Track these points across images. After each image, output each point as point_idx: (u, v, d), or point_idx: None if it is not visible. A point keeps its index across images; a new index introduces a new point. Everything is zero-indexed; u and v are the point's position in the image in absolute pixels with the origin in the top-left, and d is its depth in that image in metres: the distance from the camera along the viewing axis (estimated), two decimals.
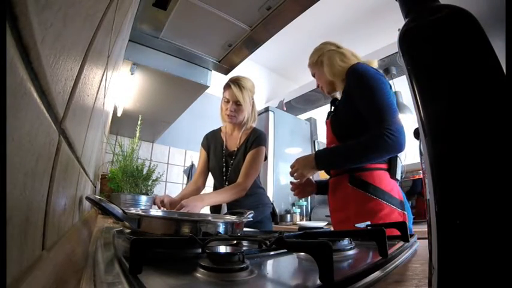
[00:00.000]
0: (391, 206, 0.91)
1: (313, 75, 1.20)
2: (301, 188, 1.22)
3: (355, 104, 0.95)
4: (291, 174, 1.06)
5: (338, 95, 1.15)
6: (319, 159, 0.99)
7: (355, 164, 0.94)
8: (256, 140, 1.38)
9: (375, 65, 1.05)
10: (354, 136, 0.92)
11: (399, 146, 0.86)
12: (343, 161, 0.95)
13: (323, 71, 1.10)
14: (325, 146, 1.16)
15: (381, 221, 0.88)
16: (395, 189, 0.94)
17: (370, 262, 0.37)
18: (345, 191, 0.99)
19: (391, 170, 0.96)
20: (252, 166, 1.34)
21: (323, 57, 1.10)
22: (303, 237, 0.48)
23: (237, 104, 1.36)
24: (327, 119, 1.16)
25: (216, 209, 1.42)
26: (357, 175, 0.97)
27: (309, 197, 2.67)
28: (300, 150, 2.82)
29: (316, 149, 2.83)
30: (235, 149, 1.43)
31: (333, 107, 1.17)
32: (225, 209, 1.35)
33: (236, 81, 1.36)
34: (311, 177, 1.25)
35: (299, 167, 1.03)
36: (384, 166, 0.96)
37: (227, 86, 1.39)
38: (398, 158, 0.97)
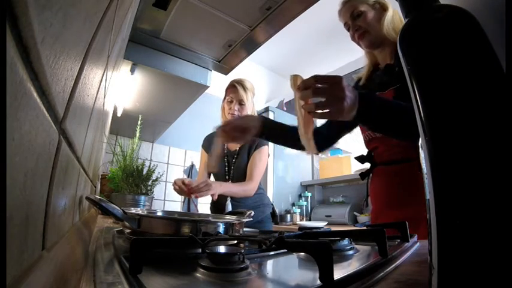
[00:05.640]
0: None
1: (355, 15, 0.93)
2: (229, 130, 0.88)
3: None
4: (307, 86, 0.60)
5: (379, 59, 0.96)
6: (365, 101, 0.62)
7: (396, 133, 0.69)
8: (260, 140, 1.42)
9: None
10: None
11: None
12: (392, 120, 0.65)
13: (383, 17, 0.89)
14: None
15: None
16: None
17: (370, 262, 0.37)
18: (417, 181, 0.78)
19: None
20: (258, 167, 1.40)
21: (388, 5, 0.91)
22: (303, 237, 0.48)
23: (241, 103, 1.42)
24: (384, 90, 0.90)
25: (218, 210, 1.43)
26: None
27: (309, 197, 2.65)
28: (299, 150, 2.81)
29: None
30: (237, 148, 1.46)
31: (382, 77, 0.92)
32: (229, 208, 1.36)
33: (240, 82, 1.43)
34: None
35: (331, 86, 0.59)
36: None
37: (231, 87, 1.45)
38: None
